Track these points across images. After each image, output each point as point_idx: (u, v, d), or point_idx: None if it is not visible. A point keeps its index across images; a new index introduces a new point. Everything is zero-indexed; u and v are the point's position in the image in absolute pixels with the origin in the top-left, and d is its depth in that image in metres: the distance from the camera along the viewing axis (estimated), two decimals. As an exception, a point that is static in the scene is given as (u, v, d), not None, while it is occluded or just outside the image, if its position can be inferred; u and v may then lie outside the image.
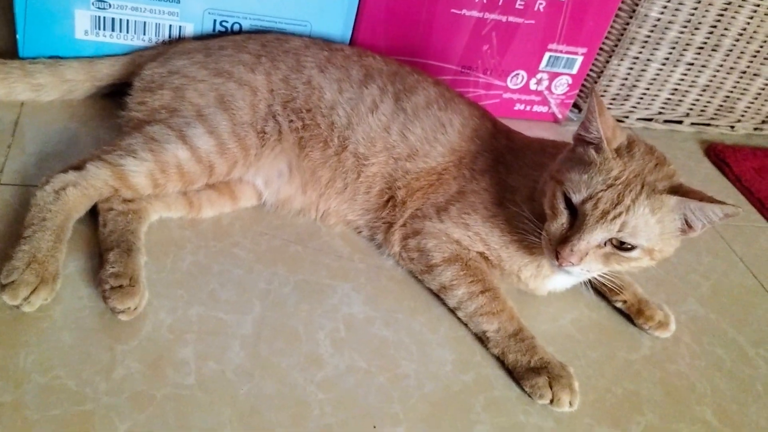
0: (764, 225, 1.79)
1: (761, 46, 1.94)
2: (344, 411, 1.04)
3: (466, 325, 1.23)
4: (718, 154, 2.00)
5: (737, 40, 1.91)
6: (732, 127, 2.16)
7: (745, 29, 1.89)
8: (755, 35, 1.91)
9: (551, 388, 1.12)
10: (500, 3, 1.65)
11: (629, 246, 1.10)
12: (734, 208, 1.08)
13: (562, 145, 1.31)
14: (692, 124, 2.11)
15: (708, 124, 2.13)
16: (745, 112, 2.12)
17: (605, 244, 1.11)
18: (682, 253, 1.57)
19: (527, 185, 1.26)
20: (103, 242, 1.12)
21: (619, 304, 1.36)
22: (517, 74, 1.81)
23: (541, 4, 1.68)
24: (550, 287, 1.32)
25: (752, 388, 1.29)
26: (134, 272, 1.07)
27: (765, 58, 1.98)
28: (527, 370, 1.15)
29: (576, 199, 1.10)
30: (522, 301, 1.32)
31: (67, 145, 1.35)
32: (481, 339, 1.21)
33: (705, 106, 2.06)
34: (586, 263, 1.12)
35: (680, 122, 2.10)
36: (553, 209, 1.14)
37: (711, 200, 1.09)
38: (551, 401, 1.12)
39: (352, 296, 1.23)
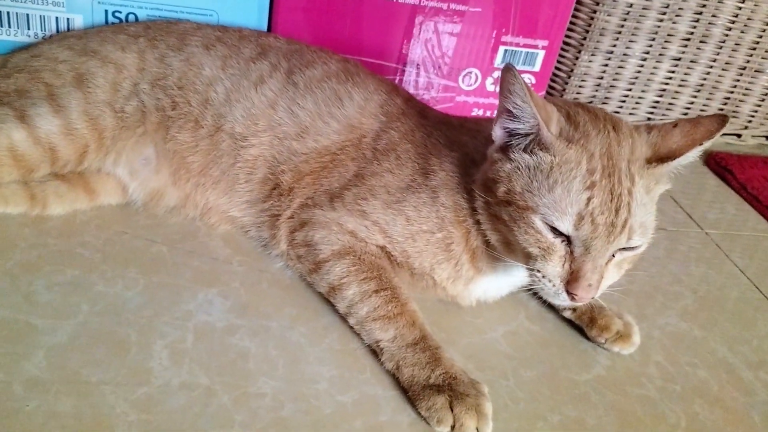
0: (773, 234, 1.49)
1: (759, 36, 1.69)
2: (163, 438, 0.78)
3: (360, 335, 0.97)
4: (719, 162, 1.71)
5: (729, 29, 1.66)
6: (739, 135, 1.87)
7: (736, 16, 1.64)
8: (750, 23, 1.66)
9: (452, 411, 0.84)
10: (438, -14, 1.45)
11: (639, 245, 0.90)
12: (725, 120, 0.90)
13: (485, 121, 1.07)
14: (689, 132, 1.83)
15: (708, 132, 1.85)
16: (752, 116, 1.84)
17: (614, 254, 0.88)
18: (664, 261, 1.31)
19: (446, 168, 1.01)
20: None
21: (567, 313, 1.08)
22: (470, 73, 1.59)
23: (486, -13, 1.47)
24: (477, 294, 1.05)
25: (746, 419, 0.98)
26: None
27: (766, 51, 1.71)
28: (425, 388, 0.87)
29: (565, 226, 0.85)
30: (444, 311, 1.06)
31: None
32: (376, 352, 0.94)
33: (702, 110, 1.80)
34: (603, 287, 0.90)
35: (674, 130, 1.83)
36: (541, 247, 0.88)
37: (702, 138, 0.89)
38: (452, 428, 0.84)
39: (215, 302, 0.98)
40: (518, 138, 0.90)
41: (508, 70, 0.86)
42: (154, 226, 1.11)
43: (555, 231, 0.87)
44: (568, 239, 0.87)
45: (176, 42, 1.17)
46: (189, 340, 0.91)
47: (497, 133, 0.93)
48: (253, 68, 1.13)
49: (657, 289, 1.23)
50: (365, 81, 1.15)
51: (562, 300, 0.89)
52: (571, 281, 0.87)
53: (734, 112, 1.82)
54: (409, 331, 0.93)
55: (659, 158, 0.89)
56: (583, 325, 1.05)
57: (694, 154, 0.90)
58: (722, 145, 1.86)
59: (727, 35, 1.67)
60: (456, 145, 1.04)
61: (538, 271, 0.89)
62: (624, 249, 0.89)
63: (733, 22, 1.65)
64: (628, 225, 0.85)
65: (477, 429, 0.84)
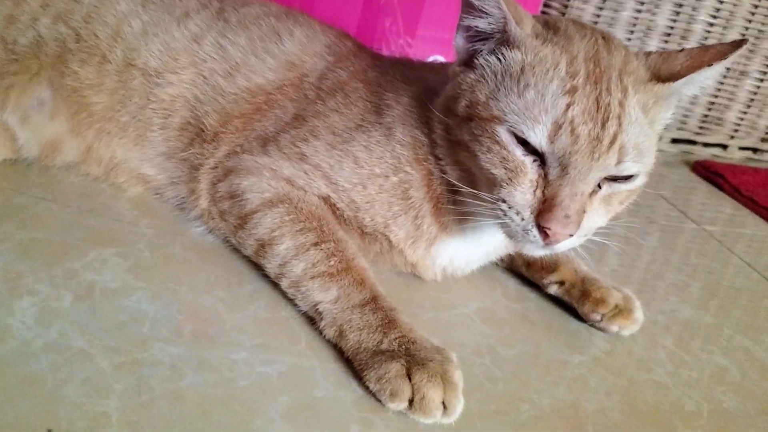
0: (776, 232, 1.33)
1: (743, 35, 1.58)
2: (11, 405, 0.56)
3: (294, 301, 0.76)
4: (708, 168, 1.57)
5: (711, 25, 1.55)
6: (725, 146, 1.73)
7: (717, 11, 1.53)
8: (732, 20, 1.55)
9: (410, 380, 0.63)
10: (398, -41, 1.32)
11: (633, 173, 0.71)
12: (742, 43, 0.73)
13: (451, 63, 0.91)
14: (674, 140, 1.70)
15: (693, 142, 1.71)
16: (738, 124, 1.71)
17: (600, 185, 0.70)
18: (662, 252, 1.13)
19: (403, 102, 0.84)
20: None
21: (553, 289, 0.88)
22: (436, 61, 1.44)
23: (451, -36, 1.34)
24: (442, 263, 0.85)
25: (781, 409, 0.78)
26: None
27: (750, 51, 1.60)
28: (375, 354, 0.66)
29: (537, 137, 0.68)
30: (403, 284, 0.86)
31: None
32: (314, 319, 0.73)
33: (685, 115, 1.66)
34: (587, 227, 0.71)
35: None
36: (507, 167, 0.70)
37: (711, 60, 0.72)
38: (411, 402, 0.63)
39: (110, 262, 0.77)
40: (483, 42, 0.74)
41: None
42: (47, 183, 0.90)
43: (525, 146, 0.69)
44: (541, 159, 0.69)
45: (92, -18, 1.00)
46: (67, 299, 0.70)
47: (459, 43, 0.76)
48: (179, 4, 0.96)
49: (658, 277, 1.04)
50: (310, 22, 0.98)
51: (532, 239, 0.70)
52: (543, 211, 0.68)
53: (719, 119, 1.69)
54: (357, 291, 0.73)
55: (659, 79, 0.72)
56: (574, 301, 0.86)
57: (701, 77, 0.74)
58: (708, 156, 1.72)
59: (708, 32, 1.55)
60: (415, 80, 0.87)
61: (503, 201, 0.70)
62: (614, 180, 0.71)
63: (715, 17, 1.54)
64: (618, 142, 0.68)
65: (443, 403, 0.63)
